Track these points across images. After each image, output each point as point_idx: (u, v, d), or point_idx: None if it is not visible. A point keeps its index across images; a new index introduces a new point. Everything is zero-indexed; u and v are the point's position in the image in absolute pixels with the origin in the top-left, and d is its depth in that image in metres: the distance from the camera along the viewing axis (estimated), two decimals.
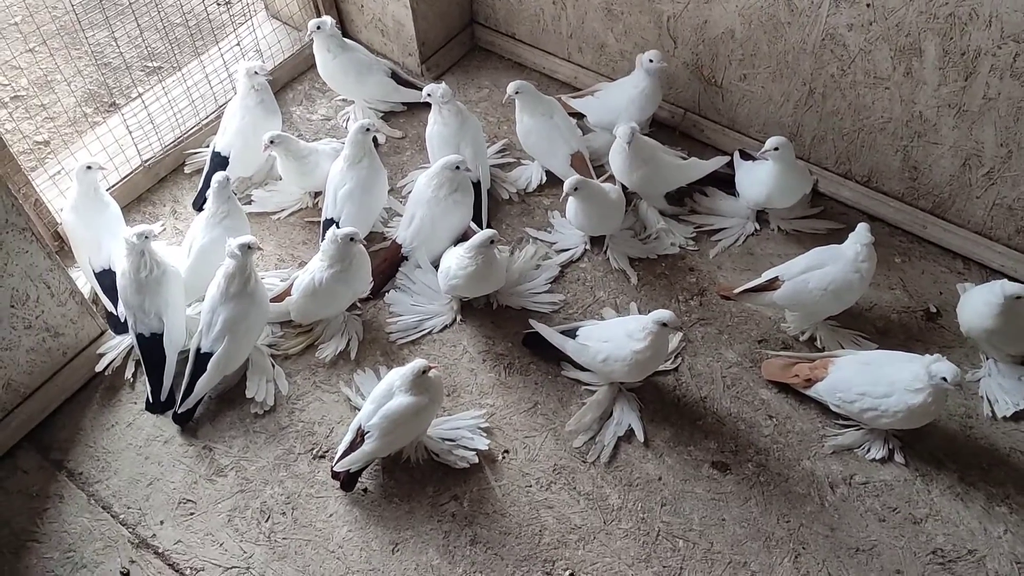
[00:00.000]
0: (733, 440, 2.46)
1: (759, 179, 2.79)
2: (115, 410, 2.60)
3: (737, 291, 2.61)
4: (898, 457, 2.40)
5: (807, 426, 2.48)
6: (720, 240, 2.90)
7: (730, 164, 2.98)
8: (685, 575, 2.23)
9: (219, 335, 2.49)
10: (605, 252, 2.88)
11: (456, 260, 2.57)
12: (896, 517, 2.30)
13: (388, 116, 3.34)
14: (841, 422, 2.46)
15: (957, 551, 2.24)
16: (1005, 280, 2.42)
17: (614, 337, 2.38)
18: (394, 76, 3.31)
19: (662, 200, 2.96)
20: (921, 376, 2.19)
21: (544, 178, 3.09)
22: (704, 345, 2.66)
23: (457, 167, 2.73)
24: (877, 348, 2.57)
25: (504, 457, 2.45)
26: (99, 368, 2.65)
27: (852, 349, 2.54)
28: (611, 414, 2.50)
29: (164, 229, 3.02)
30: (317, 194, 3.06)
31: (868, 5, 2.54)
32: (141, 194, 3.15)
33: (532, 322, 2.61)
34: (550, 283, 2.82)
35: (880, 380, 2.27)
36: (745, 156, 2.93)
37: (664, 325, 2.29)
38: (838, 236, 2.81)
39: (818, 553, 2.25)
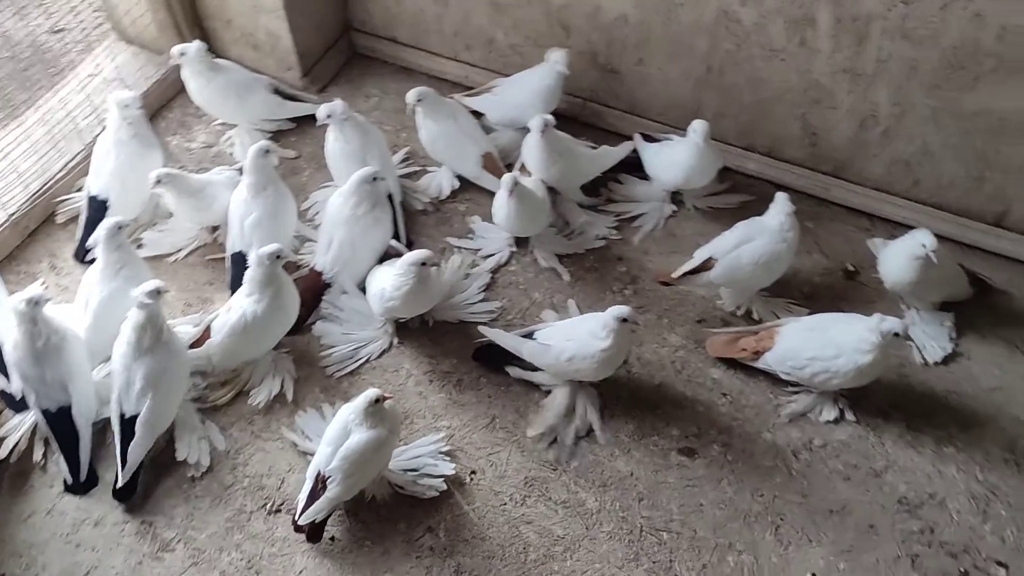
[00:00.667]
0: (694, 424, 2.47)
1: (674, 161, 2.80)
2: (30, 498, 2.33)
3: (676, 275, 2.61)
4: (848, 415, 2.47)
5: (760, 399, 2.52)
6: (641, 226, 2.90)
7: (634, 149, 2.98)
8: (676, 567, 2.22)
9: (141, 393, 2.27)
10: (531, 253, 2.82)
11: (390, 280, 2.44)
12: (858, 474, 2.38)
13: (277, 135, 3.15)
14: (791, 389, 2.51)
15: (919, 496, 2.34)
16: (921, 231, 2.52)
17: (577, 336, 2.33)
18: (278, 92, 3.12)
19: (579, 192, 2.93)
20: (868, 336, 2.26)
21: (456, 183, 2.99)
22: (648, 332, 2.65)
23: (374, 178, 2.59)
24: (808, 313, 2.64)
25: (472, 478, 2.36)
26: (2, 455, 2.36)
27: (787, 317, 2.59)
28: (572, 411, 2.45)
29: (46, 287, 2.72)
30: (215, 228, 2.84)
31: None
32: (11, 252, 2.84)
33: (483, 329, 2.52)
34: (483, 291, 2.73)
35: (828, 344, 2.33)
36: (648, 139, 2.94)
37: (624, 320, 2.26)
38: (751, 209, 2.88)
39: (796, 521, 2.29)
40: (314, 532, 2.22)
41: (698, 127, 2.70)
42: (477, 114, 3.10)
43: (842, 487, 2.35)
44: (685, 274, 2.60)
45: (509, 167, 3.00)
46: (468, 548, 2.24)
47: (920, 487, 2.36)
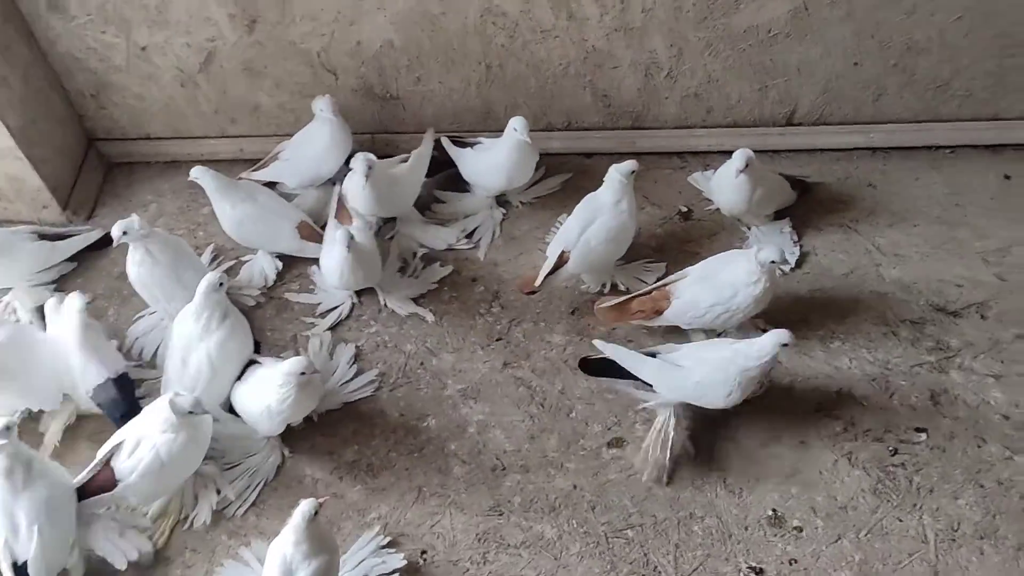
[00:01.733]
0: (610, 413, 2.45)
1: (495, 164, 2.74)
2: None
3: (539, 282, 2.57)
4: None
5: None
6: (480, 239, 2.83)
7: (441, 151, 2.88)
8: (652, 558, 2.21)
9: (28, 535, 2.05)
10: (386, 306, 2.68)
11: (273, 395, 2.24)
12: (772, 395, 2.45)
13: (61, 283, 2.79)
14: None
15: (829, 397, 2.45)
16: (738, 152, 2.60)
17: (710, 360, 2.22)
18: (43, 236, 2.77)
19: (417, 213, 2.84)
20: (753, 268, 2.32)
21: (279, 264, 2.78)
22: (531, 342, 2.60)
23: (220, 284, 2.36)
24: (665, 266, 2.68)
25: (425, 559, 2.23)
26: None
27: (676, 275, 2.55)
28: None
29: None
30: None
31: None
32: None
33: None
34: (353, 364, 2.57)
35: (722, 286, 2.38)
36: (459, 144, 2.85)
37: (784, 345, 2.16)
38: (574, 185, 2.90)
39: (737, 468, 2.34)
40: None
41: (519, 124, 2.65)
42: (271, 185, 2.89)
43: (765, 415, 2.41)
44: (546, 277, 2.56)
45: (323, 227, 2.84)
46: None
47: (826, 389, 2.46)
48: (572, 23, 2.70)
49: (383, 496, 2.34)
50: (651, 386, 2.29)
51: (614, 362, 2.32)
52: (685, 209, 2.89)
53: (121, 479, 2.17)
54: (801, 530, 2.22)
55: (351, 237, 2.46)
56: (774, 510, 2.26)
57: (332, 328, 2.65)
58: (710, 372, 2.21)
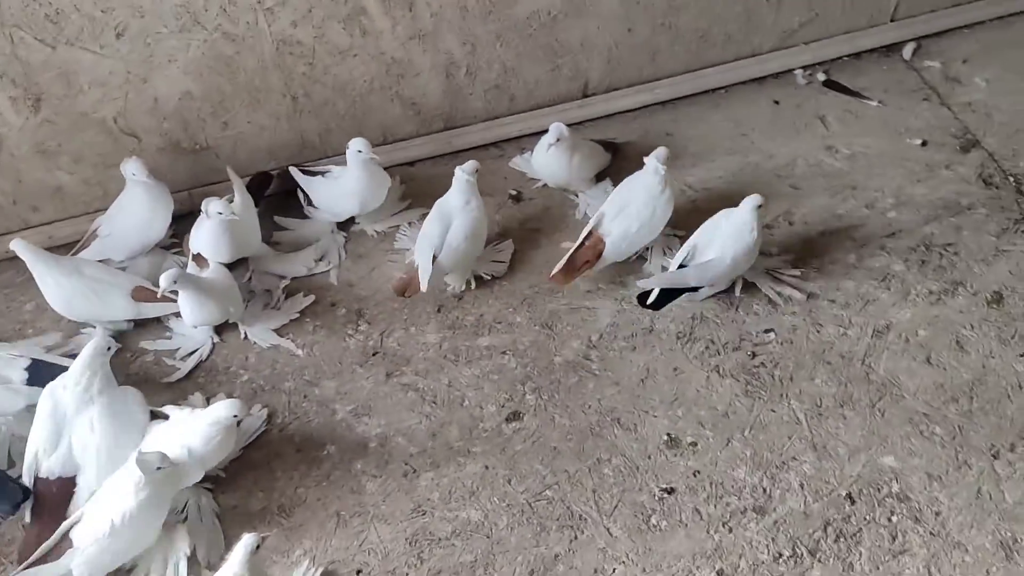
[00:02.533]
0: (500, 390, 2.56)
1: (346, 191, 2.78)
2: None
3: (424, 288, 2.61)
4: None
5: (529, 337, 2.67)
6: (330, 268, 2.85)
7: (265, 182, 2.91)
8: (576, 506, 2.32)
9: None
10: (246, 338, 2.66)
11: (199, 438, 2.20)
12: (638, 339, 2.65)
13: None
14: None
15: (685, 323, 2.68)
16: (556, 125, 2.82)
17: (725, 238, 2.59)
18: None
19: (266, 247, 2.83)
20: (655, 179, 2.67)
21: (113, 344, 2.65)
22: (407, 348, 2.66)
23: (108, 348, 2.28)
24: (514, 249, 2.82)
25: None
26: None
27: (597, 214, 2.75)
28: None
29: None
30: None
31: None
32: None
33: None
34: (237, 417, 2.52)
35: (641, 208, 2.68)
36: (307, 172, 2.87)
37: (759, 207, 2.59)
38: (415, 197, 2.98)
39: (626, 407, 2.51)
40: None
41: (361, 145, 2.70)
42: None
43: (636, 357, 2.61)
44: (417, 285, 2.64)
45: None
46: None
47: (683, 318, 2.69)
48: (367, 39, 2.79)
49: (303, 531, 2.31)
50: (698, 289, 2.65)
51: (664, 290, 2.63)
52: (515, 192, 3.05)
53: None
54: (695, 444, 2.42)
55: (183, 276, 2.45)
56: (668, 434, 2.44)
57: (190, 373, 2.59)
58: (734, 244, 2.58)
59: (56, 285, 2.54)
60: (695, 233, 2.66)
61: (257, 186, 2.91)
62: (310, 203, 2.92)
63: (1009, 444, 2.35)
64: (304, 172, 2.88)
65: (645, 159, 2.69)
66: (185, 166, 2.92)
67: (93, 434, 2.25)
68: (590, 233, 2.70)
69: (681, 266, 2.62)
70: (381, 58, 2.85)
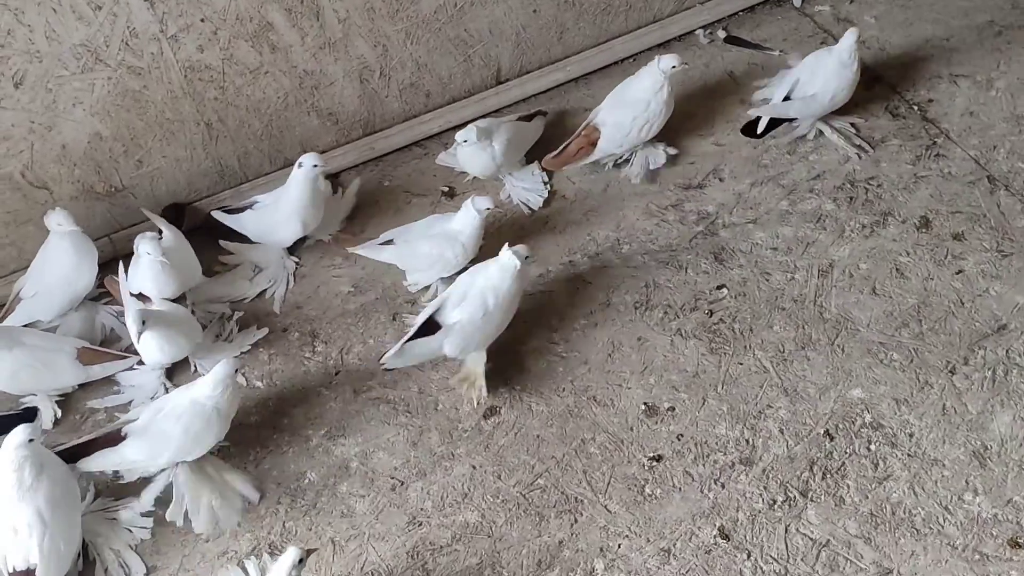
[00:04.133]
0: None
1: (286, 215, 2.69)
2: None
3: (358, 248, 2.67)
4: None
5: None
6: (275, 293, 2.78)
7: (179, 213, 2.82)
8: (570, 490, 2.34)
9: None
10: (196, 371, 2.58)
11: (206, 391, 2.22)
12: (596, 313, 2.67)
13: None
14: None
15: (642, 293, 2.72)
16: (465, 129, 2.80)
17: (823, 77, 2.86)
18: None
19: (203, 277, 2.72)
20: (657, 77, 2.81)
21: (58, 411, 2.53)
22: (367, 362, 2.61)
23: (31, 439, 2.12)
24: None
25: None
26: None
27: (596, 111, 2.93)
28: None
29: None
30: None
31: (202, 20, 2.53)
32: None
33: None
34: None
35: (636, 102, 2.83)
36: (233, 211, 2.77)
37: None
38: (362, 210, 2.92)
39: (596, 381, 2.53)
40: None
41: (316, 159, 2.62)
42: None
43: (599, 333, 2.63)
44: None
45: (104, 343, 2.65)
46: None
47: (636, 288, 2.72)
48: (277, 55, 2.71)
49: (300, 565, 2.25)
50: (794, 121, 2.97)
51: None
52: (447, 188, 3.02)
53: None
54: (673, 409, 2.46)
55: (147, 314, 2.36)
56: (645, 403, 2.48)
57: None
58: (837, 79, 2.85)
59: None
60: (798, 67, 2.94)
61: (173, 219, 2.79)
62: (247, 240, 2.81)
63: (962, 358, 2.48)
64: (228, 212, 2.76)
65: (661, 65, 2.81)
66: (102, 211, 2.79)
67: (38, 521, 2.11)
68: (584, 126, 2.87)
69: (785, 99, 2.90)
70: (293, 72, 2.78)
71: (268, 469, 2.42)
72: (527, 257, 2.42)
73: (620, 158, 2.98)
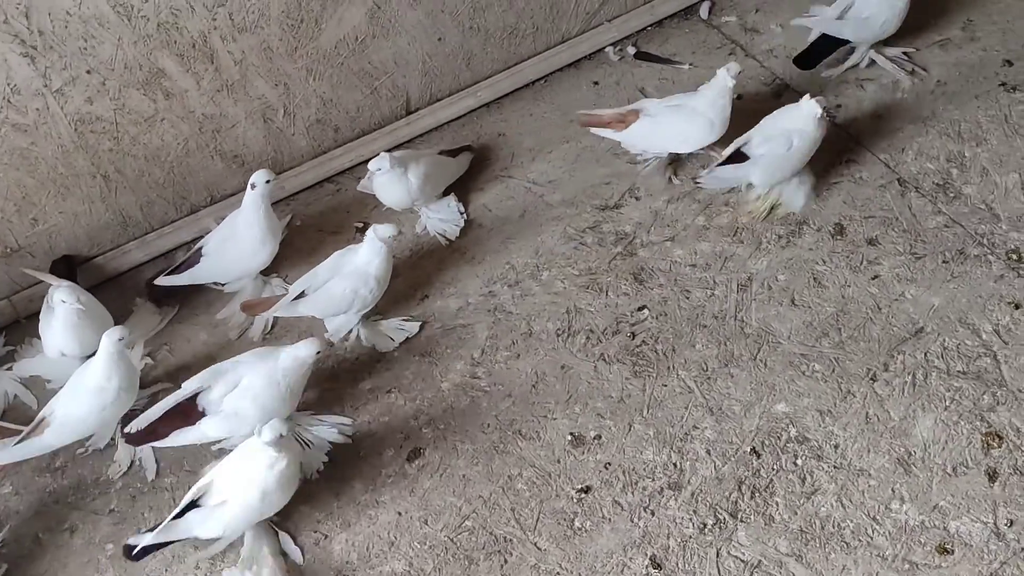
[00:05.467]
0: (396, 432, 2.48)
1: (256, 238, 2.62)
2: None
3: (271, 311, 2.58)
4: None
5: (414, 368, 2.60)
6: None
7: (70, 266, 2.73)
8: (498, 530, 2.29)
9: None
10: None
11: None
12: (530, 349, 2.63)
13: None
14: None
15: (562, 319, 2.68)
16: (377, 158, 2.75)
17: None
18: None
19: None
20: (721, 91, 2.79)
21: None
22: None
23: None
24: (419, 325, 2.70)
25: None
26: None
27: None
28: None
29: None
30: None
31: (88, 71, 2.44)
32: None
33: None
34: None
35: (693, 114, 2.82)
36: (181, 266, 2.70)
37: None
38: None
39: (519, 412, 2.48)
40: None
41: (259, 176, 2.58)
42: None
43: (521, 364, 2.59)
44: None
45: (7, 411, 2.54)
46: None
47: (556, 313, 2.69)
48: (173, 101, 2.63)
49: None
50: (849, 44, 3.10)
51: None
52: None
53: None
54: (599, 437, 2.43)
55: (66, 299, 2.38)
56: (571, 433, 2.44)
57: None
58: (891, 5, 3.01)
59: None
60: None
61: (64, 273, 2.67)
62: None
63: (882, 364, 2.48)
64: (173, 272, 2.66)
65: (717, 71, 2.79)
66: None
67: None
68: (630, 110, 2.90)
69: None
70: (191, 117, 2.70)
71: None
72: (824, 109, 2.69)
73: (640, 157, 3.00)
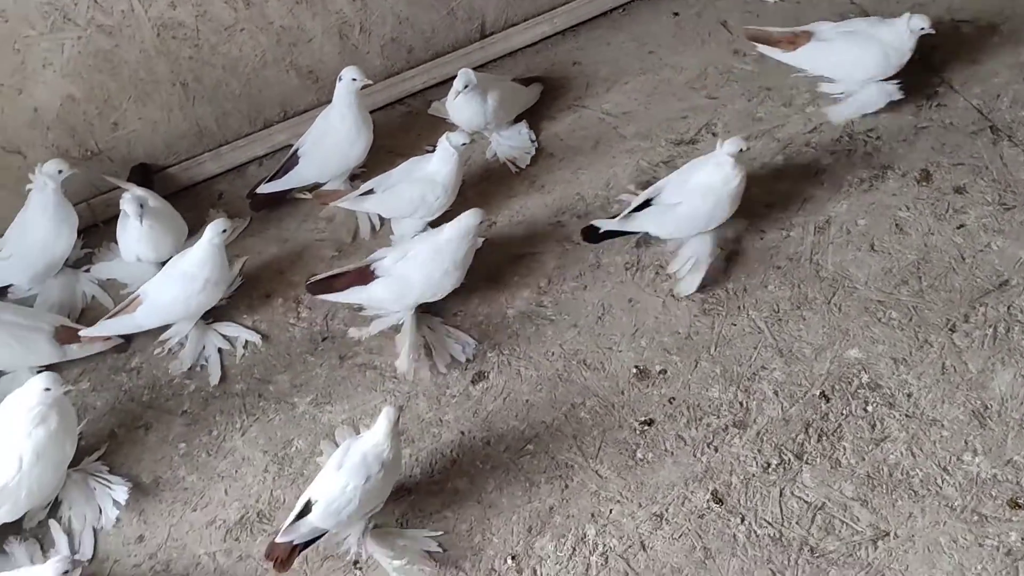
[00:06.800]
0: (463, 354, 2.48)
1: (349, 134, 2.65)
2: None
3: (338, 202, 2.61)
4: None
5: (481, 292, 2.60)
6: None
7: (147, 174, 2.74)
8: (560, 457, 2.29)
9: None
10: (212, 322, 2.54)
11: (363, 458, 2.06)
12: (585, 275, 2.61)
13: None
14: None
15: (632, 250, 2.65)
16: (463, 72, 2.70)
17: (690, 190, 2.43)
18: None
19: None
20: (900, 33, 2.64)
21: None
22: (353, 327, 2.55)
23: (48, 388, 2.11)
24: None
25: (359, 568, 2.17)
26: None
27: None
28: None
29: None
30: None
31: None
32: None
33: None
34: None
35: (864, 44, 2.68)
36: (277, 174, 2.71)
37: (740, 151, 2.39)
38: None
39: (585, 344, 2.47)
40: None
41: (347, 73, 2.60)
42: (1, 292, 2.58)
43: (588, 295, 2.57)
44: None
45: (85, 312, 2.60)
46: None
47: (625, 246, 2.65)
48: (252, 10, 2.62)
49: None
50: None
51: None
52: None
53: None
54: (665, 371, 2.41)
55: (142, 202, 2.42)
56: (636, 366, 2.43)
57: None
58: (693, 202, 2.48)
59: None
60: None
61: (141, 181, 2.70)
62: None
63: (963, 315, 2.42)
64: (272, 179, 2.70)
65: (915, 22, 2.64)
66: (78, 176, 2.69)
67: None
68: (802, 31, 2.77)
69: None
70: (270, 28, 2.68)
71: (255, 437, 2.39)
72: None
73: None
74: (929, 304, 2.44)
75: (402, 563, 2.11)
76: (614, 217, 2.56)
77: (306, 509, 2.05)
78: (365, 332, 2.49)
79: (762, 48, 2.84)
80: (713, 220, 2.48)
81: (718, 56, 3.09)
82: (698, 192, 2.45)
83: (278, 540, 2.05)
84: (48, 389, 2.10)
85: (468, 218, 2.38)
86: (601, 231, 2.56)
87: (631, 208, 2.52)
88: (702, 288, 2.49)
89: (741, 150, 2.40)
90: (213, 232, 2.34)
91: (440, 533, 2.18)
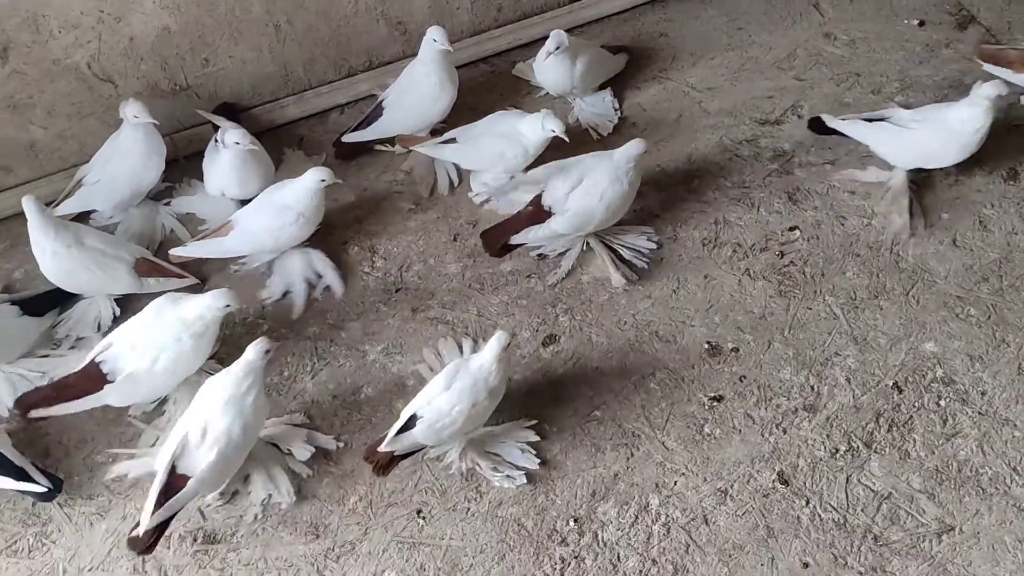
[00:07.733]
0: (532, 316, 2.50)
1: (434, 88, 2.66)
2: None
3: (418, 146, 2.63)
4: None
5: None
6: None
7: (231, 114, 2.75)
8: (627, 426, 2.30)
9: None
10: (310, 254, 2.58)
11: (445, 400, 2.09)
12: (674, 255, 2.60)
13: None
14: None
15: (710, 229, 2.64)
16: (555, 33, 2.68)
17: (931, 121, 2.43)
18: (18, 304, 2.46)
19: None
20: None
21: (116, 309, 2.50)
22: (428, 280, 2.57)
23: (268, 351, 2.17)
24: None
25: (422, 517, 2.20)
26: None
27: None
28: None
29: None
30: None
31: None
32: None
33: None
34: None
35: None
36: (362, 124, 2.74)
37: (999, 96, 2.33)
38: None
39: (659, 316, 2.47)
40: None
41: (437, 33, 2.60)
42: (82, 217, 2.61)
43: (664, 268, 2.57)
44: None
45: (164, 244, 2.64)
46: None
47: (705, 223, 2.65)
48: None
49: (355, 478, 2.26)
50: None
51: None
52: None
53: None
54: (737, 350, 2.41)
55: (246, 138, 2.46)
56: (708, 342, 2.43)
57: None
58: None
59: (54, 255, 2.36)
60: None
61: (227, 118, 2.71)
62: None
63: None
64: (356, 129, 2.73)
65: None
66: (165, 110, 2.73)
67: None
68: None
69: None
70: None
71: (325, 382, 2.42)
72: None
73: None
74: (1009, 304, 2.42)
75: (501, 476, 2.18)
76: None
77: (410, 423, 2.08)
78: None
79: (990, 68, 2.70)
80: (940, 158, 2.49)
81: (808, 37, 3.05)
82: (940, 126, 2.43)
83: (381, 449, 2.09)
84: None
85: (635, 146, 2.42)
86: (827, 125, 2.60)
87: (863, 116, 2.55)
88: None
89: (1000, 95, 2.35)
90: (314, 179, 2.39)
91: (535, 438, 2.24)
